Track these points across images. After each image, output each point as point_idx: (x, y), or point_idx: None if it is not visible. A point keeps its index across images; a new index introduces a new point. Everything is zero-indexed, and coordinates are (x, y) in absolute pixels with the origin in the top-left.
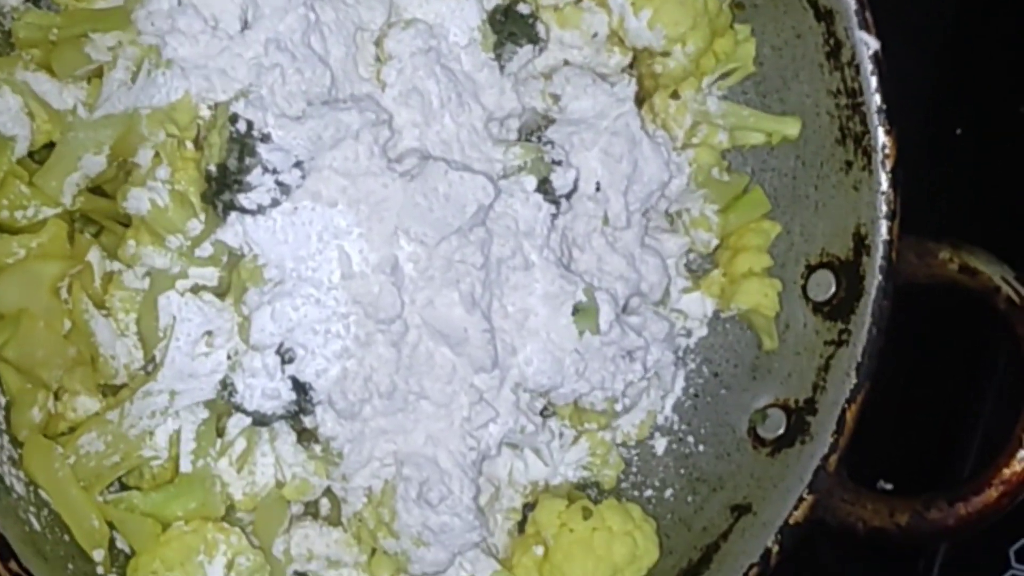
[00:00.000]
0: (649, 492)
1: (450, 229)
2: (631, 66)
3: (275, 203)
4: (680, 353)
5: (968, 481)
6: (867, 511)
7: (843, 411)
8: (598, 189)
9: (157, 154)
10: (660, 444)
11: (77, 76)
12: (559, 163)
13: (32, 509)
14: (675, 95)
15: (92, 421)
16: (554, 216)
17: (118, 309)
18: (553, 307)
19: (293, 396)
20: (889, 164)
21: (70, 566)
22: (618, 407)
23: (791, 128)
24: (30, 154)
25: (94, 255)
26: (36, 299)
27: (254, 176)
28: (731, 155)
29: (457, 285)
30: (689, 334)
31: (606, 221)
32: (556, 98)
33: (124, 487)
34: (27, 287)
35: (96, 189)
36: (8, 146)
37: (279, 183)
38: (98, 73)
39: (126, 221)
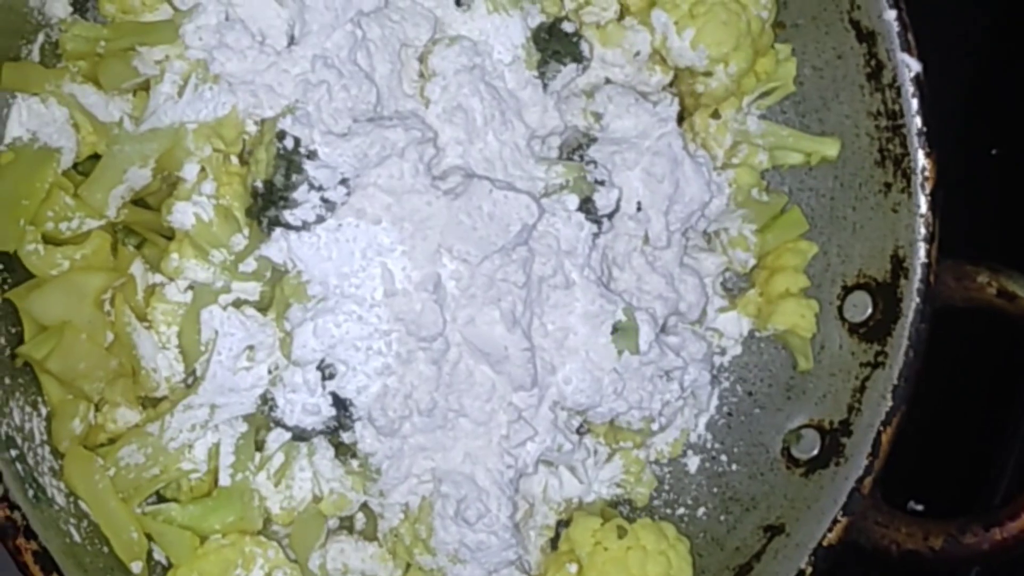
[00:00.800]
0: (681, 510)
1: (493, 248)
2: (672, 84)
3: (320, 220)
4: (714, 371)
5: (1004, 506)
6: (901, 534)
7: (879, 434)
8: (639, 209)
9: (203, 169)
10: (693, 462)
11: (123, 89)
12: (602, 183)
13: (72, 521)
14: (716, 115)
15: (132, 433)
16: (595, 235)
17: (160, 322)
18: (593, 326)
19: (333, 412)
20: (929, 187)
21: None
22: (654, 426)
23: (830, 149)
24: (74, 165)
25: (137, 268)
26: (79, 311)
27: (300, 192)
28: (769, 175)
29: (498, 304)
30: (723, 352)
31: (646, 241)
32: (598, 116)
33: (162, 499)
34: (71, 299)
35: (139, 201)
36: (54, 157)
37: (324, 200)
38: (145, 86)
39: (169, 234)
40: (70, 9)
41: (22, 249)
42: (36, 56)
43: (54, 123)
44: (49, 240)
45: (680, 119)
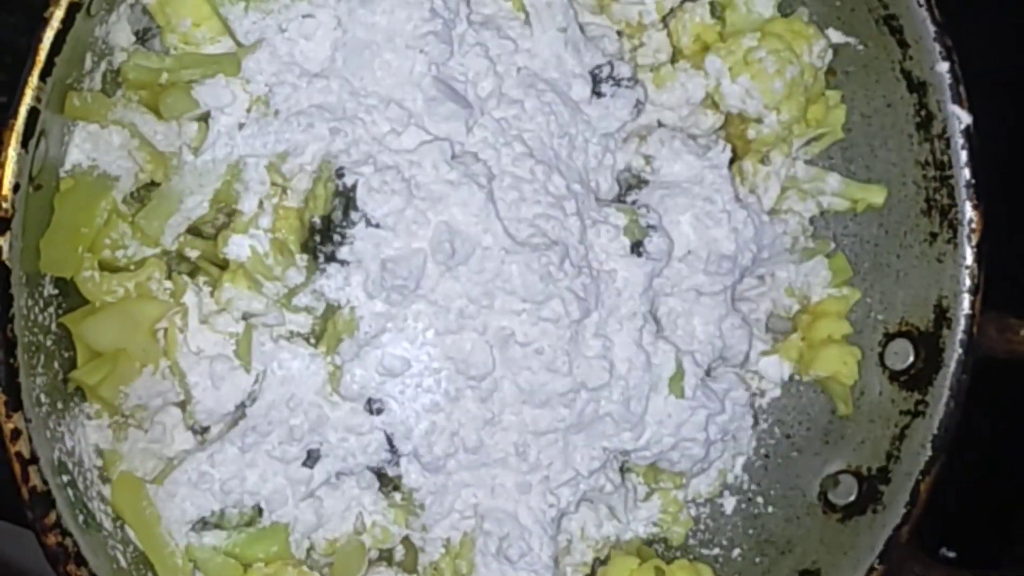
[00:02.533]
0: (716, 551)
1: (550, 293)
2: (722, 128)
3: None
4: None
5: None
6: None
7: (917, 483)
8: (689, 253)
9: (260, 202)
10: (729, 503)
11: (184, 120)
12: (653, 227)
13: (119, 546)
14: (765, 160)
15: (183, 460)
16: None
17: (212, 353)
18: (644, 370)
19: (382, 449)
20: (975, 239)
21: None
22: (695, 468)
23: (877, 196)
24: (131, 194)
25: (190, 297)
26: (134, 339)
27: (358, 229)
28: (815, 220)
29: (548, 345)
30: (762, 394)
31: (695, 286)
32: (649, 159)
33: (207, 526)
34: (126, 327)
35: (193, 229)
36: (112, 185)
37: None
38: (205, 117)
39: (222, 264)
40: (133, 38)
41: (79, 276)
42: (98, 84)
43: (113, 151)
44: (104, 267)
45: (730, 162)
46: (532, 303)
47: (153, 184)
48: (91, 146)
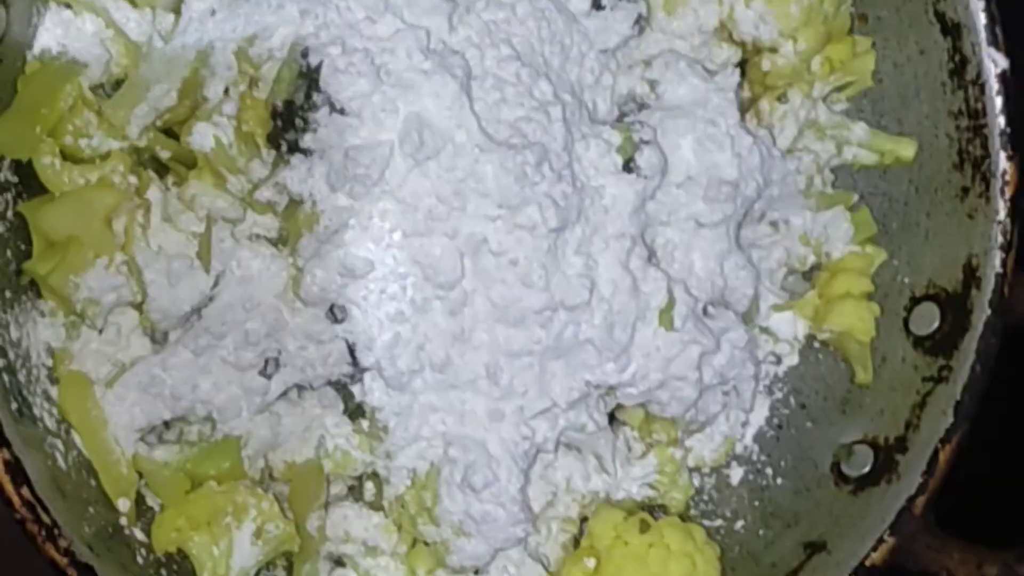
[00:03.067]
0: (719, 522)
1: (527, 196)
2: (739, 66)
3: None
4: (767, 381)
5: None
6: (953, 561)
7: (936, 451)
8: (688, 179)
9: (227, 90)
10: (736, 473)
11: (158, 6)
12: (647, 143)
13: (60, 447)
14: (783, 98)
15: (136, 365)
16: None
17: (172, 252)
18: (631, 296)
19: (343, 361)
20: (1009, 192)
21: (91, 510)
22: (689, 416)
23: (906, 150)
24: (104, 90)
25: (154, 194)
26: (88, 227)
27: (321, 115)
28: (841, 174)
29: (521, 256)
30: (779, 361)
31: (694, 215)
32: (654, 84)
33: (161, 440)
34: (80, 215)
35: (168, 132)
36: (80, 71)
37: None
38: (179, 7)
39: (192, 164)
40: None
41: (37, 161)
42: None
43: (85, 37)
44: (68, 157)
45: (747, 107)
46: (507, 208)
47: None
48: (62, 31)
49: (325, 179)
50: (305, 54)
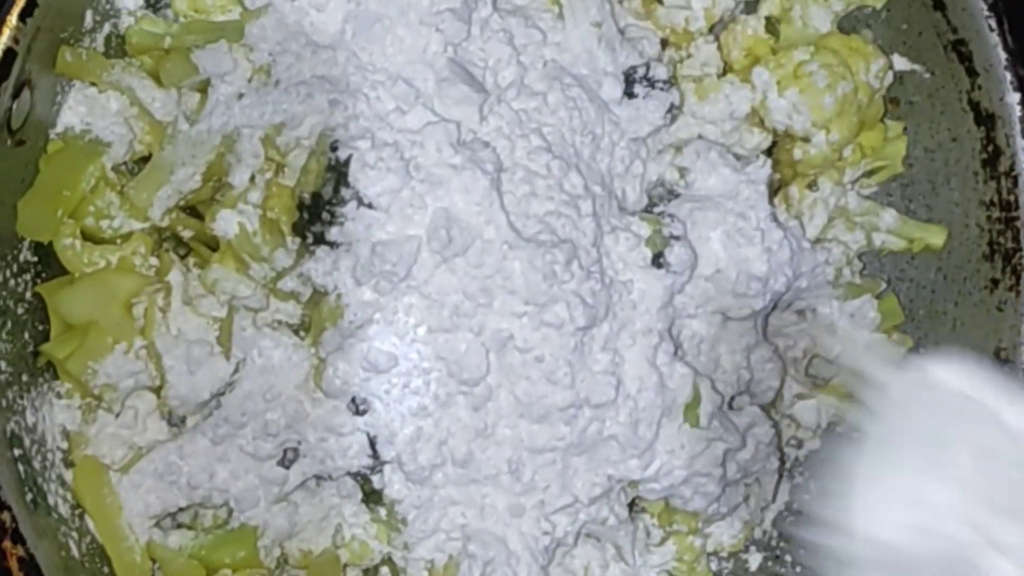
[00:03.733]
0: None
1: (555, 295)
2: (770, 152)
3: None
4: (788, 464)
5: None
6: None
7: None
8: (717, 272)
9: (253, 177)
10: (755, 559)
11: (184, 88)
12: (677, 238)
13: (74, 535)
14: (813, 186)
15: (152, 450)
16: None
17: (192, 337)
18: (656, 393)
19: (364, 453)
20: None
21: None
22: (711, 510)
23: (936, 237)
24: (128, 168)
25: (176, 277)
26: (107, 312)
27: (348, 208)
28: (868, 260)
29: (549, 353)
30: (800, 445)
31: (722, 309)
32: (684, 172)
33: (173, 524)
34: (100, 299)
35: (190, 210)
36: (103, 152)
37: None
38: (205, 87)
39: (214, 246)
40: (142, 2)
41: (58, 243)
42: (100, 46)
43: (109, 115)
44: (89, 238)
45: (777, 190)
46: (534, 305)
47: (148, 159)
48: (86, 109)
49: (351, 273)
50: (334, 147)
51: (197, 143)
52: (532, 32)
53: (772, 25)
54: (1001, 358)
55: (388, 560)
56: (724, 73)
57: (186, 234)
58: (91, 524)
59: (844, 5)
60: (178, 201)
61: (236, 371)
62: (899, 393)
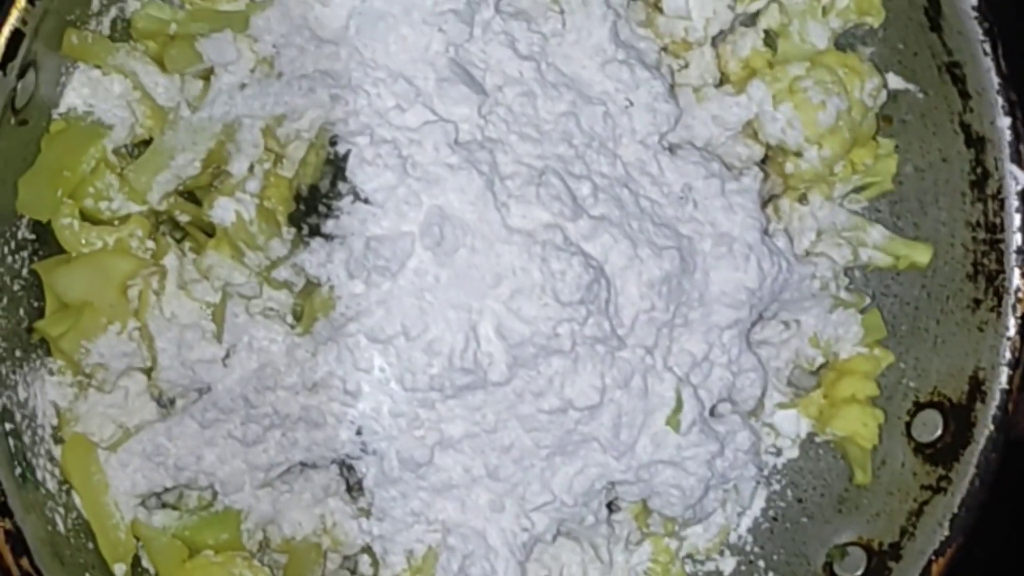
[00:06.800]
0: None
1: (556, 310)
2: (763, 164)
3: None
4: (766, 472)
5: None
6: None
7: (929, 563)
8: (705, 280)
9: (252, 167)
10: (728, 564)
11: (187, 74)
12: (668, 248)
13: (60, 510)
14: (803, 199)
15: (141, 431)
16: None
17: (185, 321)
18: (639, 397)
19: (349, 442)
20: (1021, 309)
21: None
22: (688, 513)
23: (922, 255)
24: (129, 151)
25: (171, 261)
26: (102, 293)
27: (344, 202)
28: (853, 275)
29: (541, 364)
30: (779, 453)
31: (709, 317)
32: (678, 179)
33: (159, 504)
34: (95, 279)
35: (189, 196)
36: (105, 134)
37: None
38: (208, 75)
39: (211, 231)
40: None
41: (56, 221)
42: (106, 30)
43: (112, 99)
44: (88, 218)
45: (767, 202)
46: (527, 304)
47: (149, 142)
48: (89, 91)
49: (344, 265)
50: (334, 142)
51: (198, 130)
52: (533, 36)
53: (770, 39)
54: (979, 379)
55: (368, 548)
56: (721, 84)
57: (183, 219)
58: (78, 500)
59: (842, 22)
60: (177, 186)
61: (227, 356)
62: None
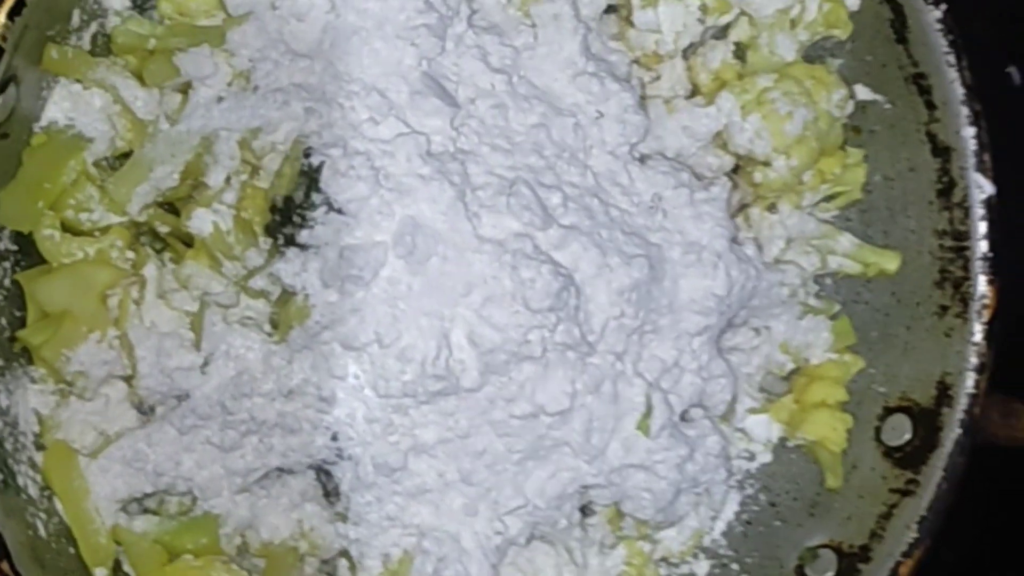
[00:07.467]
0: None
1: (527, 318)
2: (733, 173)
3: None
4: (739, 476)
5: None
6: None
7: (897, 565)
8: (675, 288)
9: (228, 178)
10: (702, 567)
11: (166, 88)
12: (639, 256)
13: (42, 515)
14: (772, 208)
15: (122, 438)
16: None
17: (164, 329)
18: (610, 402)
19: (325, 448)
20: (986, 315)
21: None
22: (660, 517)
23: (890, 263)
24: (109, 163)
25: (151, 271)
26: (83, 303)
27: (319, 213)
28: (824, 282)
29: (513, 369)
30: (752, 458)
31: (679, 323)
32: (648, 189)
33: (139, 509)
34: (76, 289)
35: (168, 207)
36: (85, 146)
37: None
38: (187, 88)
39: (191, 242)
40: (128, 3)
41: (38, 233)
42: (87, 45)
43: (93, 112)
44: (68, 229)
45: (737, 211)
46: (498, 311)
47: (128, 155)
48: (70, 105)
49: (319, 275)
50: (308, 154)
51: (176, 142)
52: (505, 49)
53: (741, 51)
54: (946, 384)
55: (345, 552)
56: (692, 95)
57: (163, 230)
58: (59, 506)
59: (810, 35)
60: (156, 197)
61: (205, 364)
62: None
